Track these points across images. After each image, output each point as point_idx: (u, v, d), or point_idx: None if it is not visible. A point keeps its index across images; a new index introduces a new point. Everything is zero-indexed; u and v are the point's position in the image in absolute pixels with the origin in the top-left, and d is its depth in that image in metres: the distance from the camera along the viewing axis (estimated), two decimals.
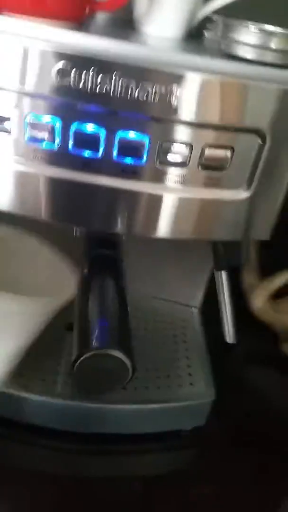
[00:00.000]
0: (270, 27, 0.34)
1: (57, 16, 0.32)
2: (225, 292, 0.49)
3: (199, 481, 0.46)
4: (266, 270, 0.65)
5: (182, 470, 0.49)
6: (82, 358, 0.29)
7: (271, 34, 0.33)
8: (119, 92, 0.30)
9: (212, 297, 0.54)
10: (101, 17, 0.39)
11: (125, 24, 0.38)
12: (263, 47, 0.33)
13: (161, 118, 0.31)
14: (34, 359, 0.41)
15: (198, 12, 0.38)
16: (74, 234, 0.47)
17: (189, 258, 0.59)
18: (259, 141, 0.33)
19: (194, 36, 0.39)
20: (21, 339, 0.29)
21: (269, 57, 0.33)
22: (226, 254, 0.48)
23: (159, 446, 0.50)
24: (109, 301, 0.33)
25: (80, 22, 0.34)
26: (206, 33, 0.42)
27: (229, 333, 0.51)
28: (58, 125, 0.32)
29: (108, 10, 0.34)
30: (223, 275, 0.49)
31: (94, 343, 0.29)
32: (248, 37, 0.33)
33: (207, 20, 0.40)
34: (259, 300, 0.63)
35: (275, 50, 0.33)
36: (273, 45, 0.33)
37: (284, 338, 0.63)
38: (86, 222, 0.37)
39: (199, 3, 0.37)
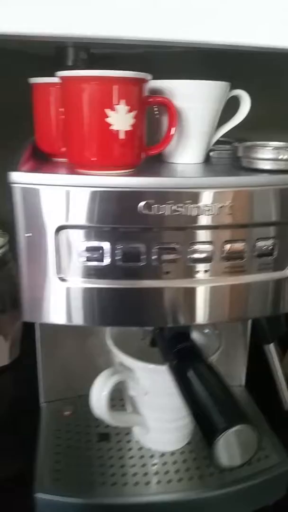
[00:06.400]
0: (278, 143, 0.44)
1: (126, 166, 0.40)
2: (276, 363, 0.55)
3: None
4: None
5: None
6: (219, 437, 0.32)
7: (280, 148, 0.43)
8: (190, 213, 0.38)
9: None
10: None
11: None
12: (273, 159, 0.43)
13: (222, 225, 0.39)
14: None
15: (212, 139, 0.48)
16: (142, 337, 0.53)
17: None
18: None
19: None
20: None
21: (280, 166, 0.43)
22: (269, 328, 0.54)
23: None
24: (212, 381, 0.38)
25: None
26: (212, 154, 0.52)
27: (286, 400, 0.55)
28: (143, 247, 0.39)
29: (155, 153, 0.43)
30: (272, 347, 0.55)
31: (224, 421, 0.33)
32: (264, 154, 0.43)
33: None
34: None
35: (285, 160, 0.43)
36: (281, 156, 0.42)
37: None
38: (163, 320, 0.42)
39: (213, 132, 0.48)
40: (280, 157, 0.43)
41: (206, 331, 0.53)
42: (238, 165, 0.45)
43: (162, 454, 0.53)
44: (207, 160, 0.49)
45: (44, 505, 0.48)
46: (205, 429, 0.35)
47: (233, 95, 0.47)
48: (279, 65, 0.72)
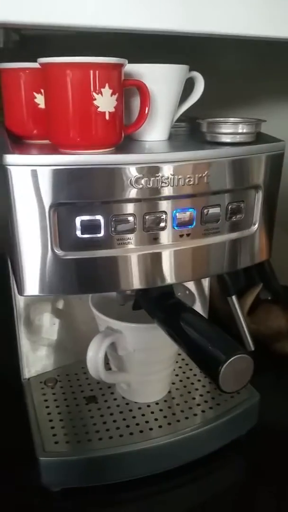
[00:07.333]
0: (237, 119, 0.50)
1: (110, 145, 0.44)
2: (239, 312, 0.63)
3: None
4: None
5: None
6: (223, 366, 0.39)
7: (238, 123, 0.49)
8: (174, 184, 0.43)
9: None
10: None
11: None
12: (236, 133, 0.49)
13: (201, 193, 0.45)
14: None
15: (174, 117, 0.53)
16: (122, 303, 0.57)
17: None
18: (258, 192, 0.49)
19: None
20: None
21: (241, 139, 0.49)
22: (231, 282, 0.62)
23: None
24: (203, 324, 0.44)
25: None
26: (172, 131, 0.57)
27: (249, 343, 0.64)
28: (134, 217, 0.43)
29: (133, 132, 0.47)
30: (234, 299, 0.62)
31: (224, 354, 0.40)
32: (226, 129, 0.49)
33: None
34: None
35: (245, 134, 0.49)
36: (241, 130, 0.49)
37: (272, 341, 0.78)
38: (153, 282, 0.48)
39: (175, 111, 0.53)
40: (240, 131, 0.49)
41: (179, 294, 0.60)
42: (200, 139, 0.50)
43: (148, 405, 0.59)
44: (170, 137, 0.54)
45: (49, 467, 0.52)
46: (208, 363, 0.41)
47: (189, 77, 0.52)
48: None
